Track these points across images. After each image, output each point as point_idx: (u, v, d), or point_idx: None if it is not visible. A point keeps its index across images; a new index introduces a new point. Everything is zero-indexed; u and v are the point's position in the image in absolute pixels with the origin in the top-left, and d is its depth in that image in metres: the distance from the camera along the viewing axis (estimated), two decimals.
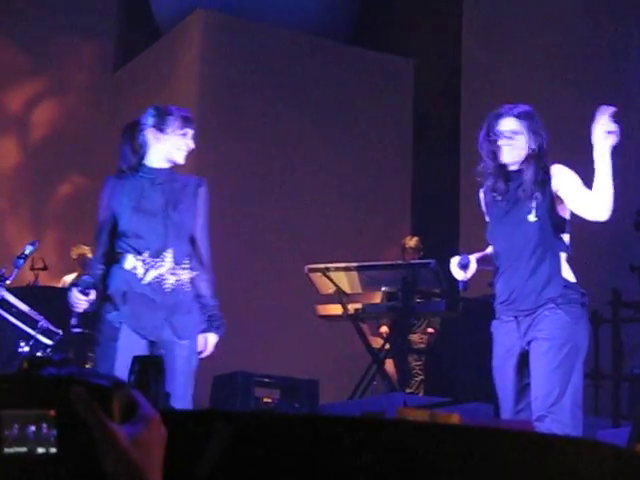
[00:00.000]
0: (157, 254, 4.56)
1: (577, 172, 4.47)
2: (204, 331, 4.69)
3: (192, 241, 4.68)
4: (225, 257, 9.23)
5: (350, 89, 11.39)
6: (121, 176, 4.71)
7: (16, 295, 5.34)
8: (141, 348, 4.51)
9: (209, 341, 4.71)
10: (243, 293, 9.79)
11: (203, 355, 4.73)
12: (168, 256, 4.58)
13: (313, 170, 11.01)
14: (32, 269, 8.93)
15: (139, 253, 4.57)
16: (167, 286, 4.57)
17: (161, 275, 4.57)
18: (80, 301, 4.53)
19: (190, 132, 4.70)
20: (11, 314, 5.13)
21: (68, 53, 12.29)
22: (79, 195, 11.82)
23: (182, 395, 4.54)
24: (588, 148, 4.38)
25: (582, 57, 9.50)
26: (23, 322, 5.16)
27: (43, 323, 5.23)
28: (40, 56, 12.08)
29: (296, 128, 11.00)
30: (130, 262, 4.57)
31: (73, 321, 4.94)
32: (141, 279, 4.56)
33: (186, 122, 4.69)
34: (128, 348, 4.43)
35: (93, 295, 4.57)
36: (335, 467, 1.28)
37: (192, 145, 4.70)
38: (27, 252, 5.44)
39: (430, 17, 11.13)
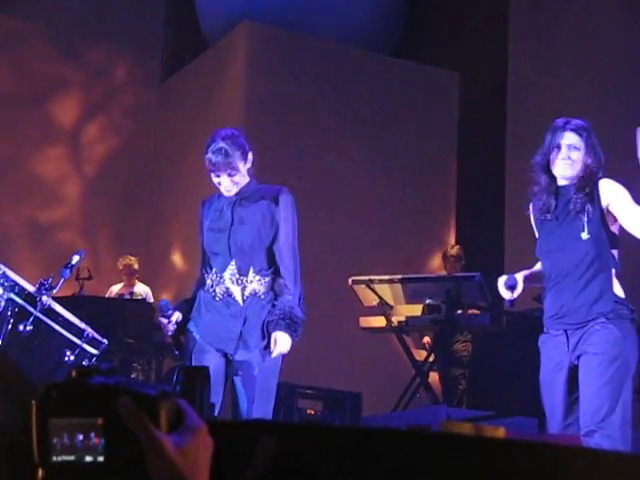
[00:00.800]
0: (223, 269, 4.62)
1: (628, 186, 4.44)
2: (273, 330, 4.60)
3: (270, 251, 4.68)
4: None
5: (395, 102, 11.39)
6: (211, 199, 4.81)
7: (62, 304, 5.39)
8: (217, 362, 4.56)
9: (277, 339, 4.55)
10: None
11: (273, 355, 4.63)
12: (232, 269, 4.62)
13: (357, 182, 11.01)
14: (77, 279, 9.01)
15: (211, 271, 4.65)
16: (237, 298, 4.61)
17: (227, 289, 4.62)
18: (166, 325, 4.62)
19: (221, 174, 4.67)
20: (57, 323, 5.17)
21: (116, 65, 12.40)
22: (132, 207, 11.90)
23: (259, 405, 4.54)
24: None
25: (630, 69, 9.42)
26: (69, 331, 5.20)
27: (89, 332, 5.27)
28: (87, 68, 12.20)
29: (341, 140, 11.01)
30: (207, 281, 4.67)
31: (174, 345, 5.01)
32: (214, 296, 4.63)
33: (212, 167, 4.68)
34: (204, 363, 4.48)
35: (177, 316, 4.63)
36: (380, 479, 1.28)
37: (224, 185, 4.68)
38: (73, 262, 5.48)
39: (475, 30, 11.11)
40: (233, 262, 4.62)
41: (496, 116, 10.79)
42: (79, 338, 5.23)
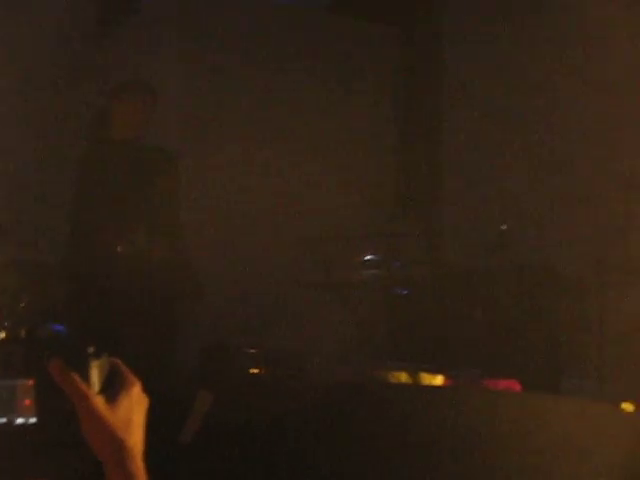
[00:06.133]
0: None
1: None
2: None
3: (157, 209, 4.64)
4: (201, 223, 9.21)
5: (331, 58, 11.32)
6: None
7: None
8: None
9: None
10: (229, 261, 9.76)
11: None
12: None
13: (294, 139, 10.95)
14: None
15: None
16: None
17: None
18: None
19: (133, 99, 4.60)
20: None
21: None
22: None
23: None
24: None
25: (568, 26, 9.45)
26: None
27: None
28: None
29: (272, 99, 10.91)
30: None
31: None
32: None
33: (121, 88, 4.59)
34: None
35: None
36: (319, 429, 1.28)
37: (130, 114, 4.60)
38: None
39: None
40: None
41: (435, 71, 10.79)
42: None
